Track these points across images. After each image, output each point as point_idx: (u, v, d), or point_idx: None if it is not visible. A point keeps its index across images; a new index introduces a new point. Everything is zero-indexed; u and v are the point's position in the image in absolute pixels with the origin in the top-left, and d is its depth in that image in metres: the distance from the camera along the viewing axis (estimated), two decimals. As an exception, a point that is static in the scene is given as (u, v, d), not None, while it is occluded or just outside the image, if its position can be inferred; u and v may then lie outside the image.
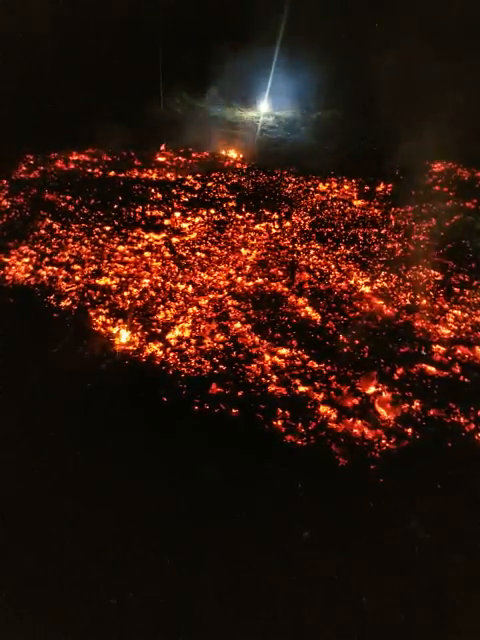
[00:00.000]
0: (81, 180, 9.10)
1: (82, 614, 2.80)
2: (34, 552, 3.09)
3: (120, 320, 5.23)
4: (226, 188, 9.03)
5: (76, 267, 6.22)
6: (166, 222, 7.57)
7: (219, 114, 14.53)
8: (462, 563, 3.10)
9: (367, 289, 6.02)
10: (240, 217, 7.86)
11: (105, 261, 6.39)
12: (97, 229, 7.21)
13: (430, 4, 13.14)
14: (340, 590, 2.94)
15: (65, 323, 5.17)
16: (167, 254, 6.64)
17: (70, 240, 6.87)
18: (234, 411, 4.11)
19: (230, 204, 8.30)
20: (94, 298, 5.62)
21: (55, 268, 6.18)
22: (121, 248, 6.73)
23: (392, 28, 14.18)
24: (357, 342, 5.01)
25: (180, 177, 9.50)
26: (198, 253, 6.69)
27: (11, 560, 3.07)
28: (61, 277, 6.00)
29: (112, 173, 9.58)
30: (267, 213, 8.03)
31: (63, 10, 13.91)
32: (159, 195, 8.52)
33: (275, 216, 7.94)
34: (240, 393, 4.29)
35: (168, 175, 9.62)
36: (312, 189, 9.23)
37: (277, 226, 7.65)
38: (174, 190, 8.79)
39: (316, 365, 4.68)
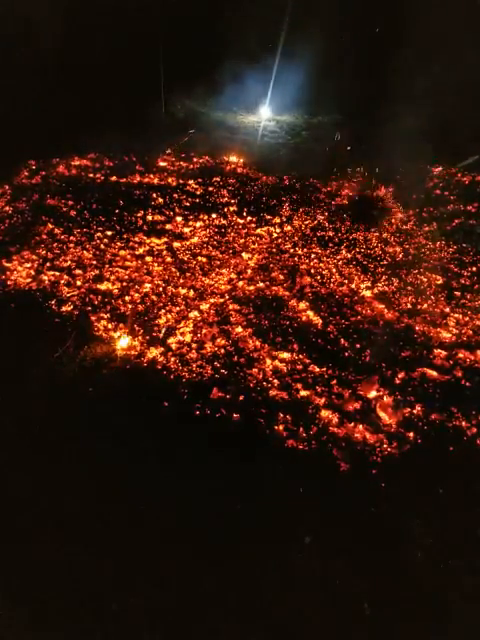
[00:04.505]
0: (83, 185, 9.13)
1: (82, 619, 2.79)
2: (34, 556, 3.09)
3: (121, 325, 5.23)
4: (227, 192, 9.05)
5: (78, 272, 6.24)
6: (167, 227, 7.58)
7: (220, 119, 14.56)
8: (464, 568, 3.09)
9: (368, 293, 6.02)
10: (241, 221, 7.87)
11: (106, 266, 6.41)
12: (99, 234, 7.23)
13: (432, 5, 13.15)
14: (341, 595, 2.93)
15: (67, 328, 5.18)
16: (168, 259, 6.65)
17: (71, 245, 6.89)
18: (235, 416, 4.10)
19: (231, 208, 8.32)
20: (95, 303, 5.63)
21: (57, 273, 6.19)
22: (122, 253, 6.74)
23: (394, 31, 14.22)
24: (358, 346, 5.01)
25: (181, 182, 9.52)
26: (199, 257, 6.70)
27: (11, 564, 3.06)
28: (63, 282, 6.01)
29: (114, 178, 9.60)
30: (268, 217, 8.05)
31: (64, 14, 13.95)
32: (160, 200, 8.54)
33: (276, 220, 7.96)
34: (241, 397, 4.29)
35: (169, 180, 9.65)
36: (313, 193, 9.24)
37: (278, 230, 7.66)
38: (175, 195, 8.81)
39: (317, 369, 4.68)
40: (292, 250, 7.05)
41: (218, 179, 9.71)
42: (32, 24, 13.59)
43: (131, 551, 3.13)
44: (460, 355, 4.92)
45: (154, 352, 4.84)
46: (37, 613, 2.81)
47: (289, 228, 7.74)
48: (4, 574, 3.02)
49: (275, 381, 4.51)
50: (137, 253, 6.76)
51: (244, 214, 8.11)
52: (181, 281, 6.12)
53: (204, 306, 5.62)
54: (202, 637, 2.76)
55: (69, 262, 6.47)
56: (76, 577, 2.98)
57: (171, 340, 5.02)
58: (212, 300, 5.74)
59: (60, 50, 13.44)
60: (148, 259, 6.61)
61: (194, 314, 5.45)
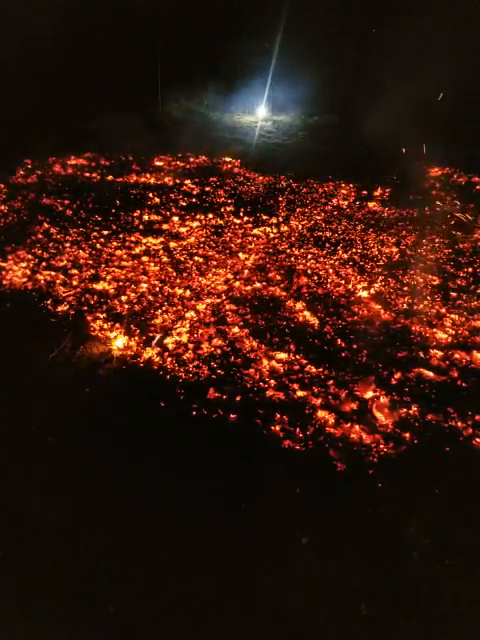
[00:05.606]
0: (79, 184, 9.11)
1: (81, 622, 2.78)
2: (33, 559, 3.08)
3: (118, 325, 5.22)
4: (224, 193, 9.05)
5: (74, 271, 6.22)
6: (164, 226, 7.58)
7: (217, 119, 14.58)
8: (461, 568, 3.10)
9: (365, 293, 6.03)
10: (238, 222, 7.88)
11: (103, 266, 6.39)
12: (95, 233, 7.22)
13: (430, 7, 13.18)
14: (339, 595, 2.93)
15: (63, 328, 5.16)
16: (165, 259, 6.64)
17: (68, 244, 6.87)
18: (232, 416, 4.10)
19: (228, 208, 8.32)
20: (92, 303, 5.61)
21: (53, 273, 6.17)
22: (119, 252, 6.73)
23: (391, 32, 14.25)
24: (355, 346, 5.02)
25: (178, 182, 9.52)
26: (196, 257, 6.69)
27: (10, 564, 3.05)
28: (58, 282, 5.99)
29: (110, 177, 9.59)
30: (265, 217, 8.05)
31: (62, 13, 13.89)
32: (157, 199, 8.53)
33: (273, 220, 7.96)
34: (238, 398, 4.29)
35: (166, 179, 9.64)
36: (310, 193, 9.26)
37: (275, 230, 7.67)
38: (172, 194, 8.81)
39: (314, 370, 4.68)
40: (289, 250, 7.05)
41: (215, 179, 9.72)
42: (29, 24, 13.53)
43: (131, 551, 3.13)
44: (456, 356, 4.94)
45: (150, 352, 4.83)
46: (37, 613, 2.80)
47: (286, 228, 7.75)
48: (4, 574, 3.00)
49: (272, 381, 4.51)
50: (133, 253, 6.75)
51: (241, 214, 8.12)
52: (178, 281, 6.11)
53: (201, 306, 5.61)
54: (201, 637, 2.75)
55: (65, 262, 6.45)
56: (76, 577, 2.97)
57: (168, 340, 5.01)
58: (209, 300, 5.74)
59: (59, 50, 13.40)
60: (144, 259, 6.60)
61: (191, 314, 5.44)
